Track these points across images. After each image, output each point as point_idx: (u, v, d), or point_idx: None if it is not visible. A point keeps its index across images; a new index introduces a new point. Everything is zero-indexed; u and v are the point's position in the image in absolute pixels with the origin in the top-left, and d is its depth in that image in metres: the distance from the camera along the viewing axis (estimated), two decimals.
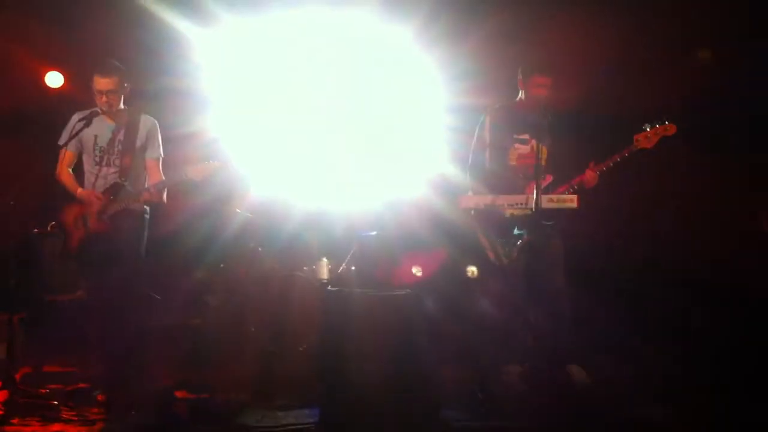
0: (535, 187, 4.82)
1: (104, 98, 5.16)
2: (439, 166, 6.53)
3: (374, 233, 6.47)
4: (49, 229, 6.15)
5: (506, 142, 5.35)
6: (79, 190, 5.26)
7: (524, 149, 5.33)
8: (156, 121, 5.38)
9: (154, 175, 5.32)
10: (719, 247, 6.20)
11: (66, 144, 5.21)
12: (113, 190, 5.17)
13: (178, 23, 6.33)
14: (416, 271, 6.20)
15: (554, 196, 5.04)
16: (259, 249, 6.78)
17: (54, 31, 6.67)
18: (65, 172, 5.33)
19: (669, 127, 5.13)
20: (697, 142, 5.79)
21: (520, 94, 5.41)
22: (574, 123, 5.44)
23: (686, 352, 5.49)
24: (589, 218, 5.27)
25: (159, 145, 5.37)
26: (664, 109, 5.26)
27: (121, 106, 5.28)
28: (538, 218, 4.87)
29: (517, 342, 5.25)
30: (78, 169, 5.37)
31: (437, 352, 4.56)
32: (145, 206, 5.30)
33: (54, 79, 7.31)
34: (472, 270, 6.04)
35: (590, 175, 5.13)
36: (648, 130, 5.12)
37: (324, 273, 6.51)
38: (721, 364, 5.23)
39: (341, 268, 6.48)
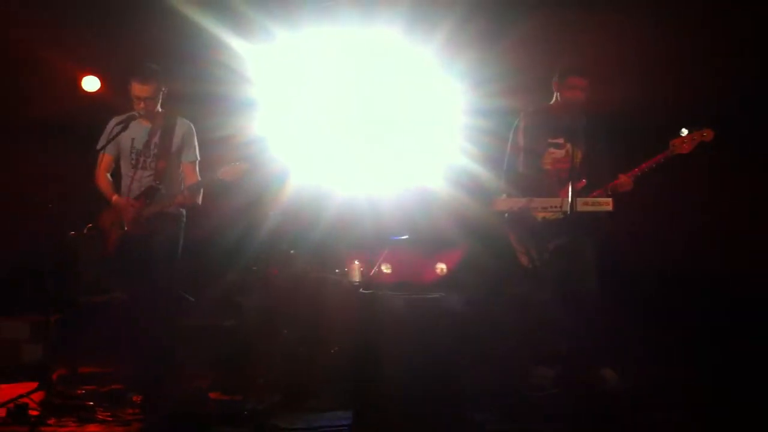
0: (569, 190, 4.78)
1: (142, 104, 5.22)
2: (471, 169, 6.50)
3: (406, 237, 6.50)
4: (85, 231, 6.22)
5: (540, 146, 5.32)
6: (115, 197, 5.31)
7: (559, 153, 5.30)
8: (192, 125, 5.43)
9: (191, 178, 5.36)
10: (755, 255, 6.12)
11: (104, 148, 5.27)
12: (148, 194, 5.22)
13: (214, 28, 6.36)
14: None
15: (589, 199, 5.00)
16: (291, 251, 6.81)
17: (90, 35, 6.75)
18: (103, 177, 5.38)
19: (706, 133, 5.06)
20: (736, 148, 5.70)
21: (554, 97, 5.37)
22: (610, 126, 5.40)
23: (718, 359, 5.42)
24: (623, 222, 5.23)
25: (195, 148, 5.41)
26: (701, 114, 5.21)
27: (159, 109, 5.33)
28: (571, 222, 4.83)
29: (548, 345, 5.22)
30: (116, 174, 5.43)
31: (469, 354, 4.55)
32: (181, 209, 5.34)
33: (91, 84, 7.40)
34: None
35: (624, 180, 5.08)
36: (685, 135, 5.06)
37: (356, 276, 6.52)
38: (754, 373, 5.15)
39: (373, 270, 6.48)
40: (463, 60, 6.71)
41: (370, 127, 6.90)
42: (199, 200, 5.35)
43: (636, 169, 5.08)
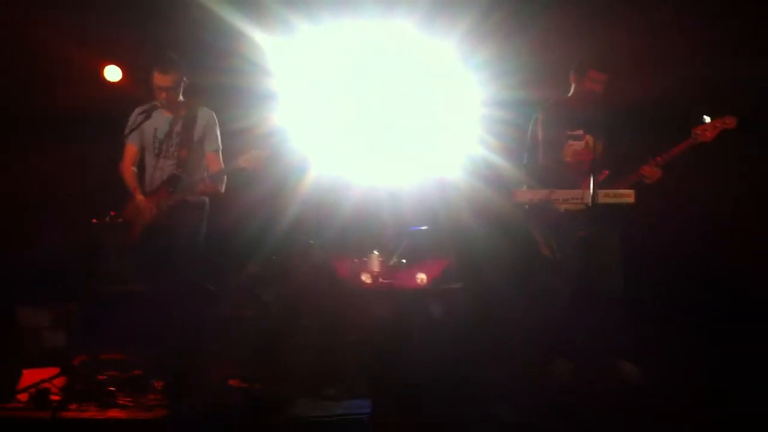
0: (591, 181, 4.76)
1: (164, 94, 5.25)
2: (491, 160, 6.49)
3: (425, 227, 6.50)
4: (107, 219, 6.26)
5: (560, 139, 5.30)
6: (139, 196, 5.33)
7: (578, 145, 5.28)
8: (214, 114, 5.45)
9: (214, 167, 5.39)
10: None
11: (127, 137, 5.32)
12: (171, 182, 5.25)
13: (235, 20, 6.38)
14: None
15: (611, 191, 4.97)
16: (311, 242, 6.82)
17: (113, 25, 6.78)
18: (128, 168, 5.42)
19: (728, 120, 5.02)
20: (759, 136, 5.65)
21: (572, 90, 5.35)
22: (630, 118, 5.37)
23: (739, 356, 5.37)
24: (647, 214, 5.19)
25: (217, 138, 5.44)
26: (721, 104, 5.16)
27: (180, 98, 5.35)
28: (594, 213, 4.81)
29: (568, 338, 5.21)
30: (140, 164, 5.47)
31: (488, 346, 4.54)
32: (203, 198, 5.37)
33: (113, 73, 7.43)
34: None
35: (651, 170, 5.05)
36: (708, 122, 5.02)
37: (375, 266, 6.53)
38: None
39: (392, 261, 6.49)
40: (482, 52, 6.70)
41: (389, 118, 6.90)
42: (222, 188, 5.38)
43: (659, 158, 5.05)
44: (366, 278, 6.19)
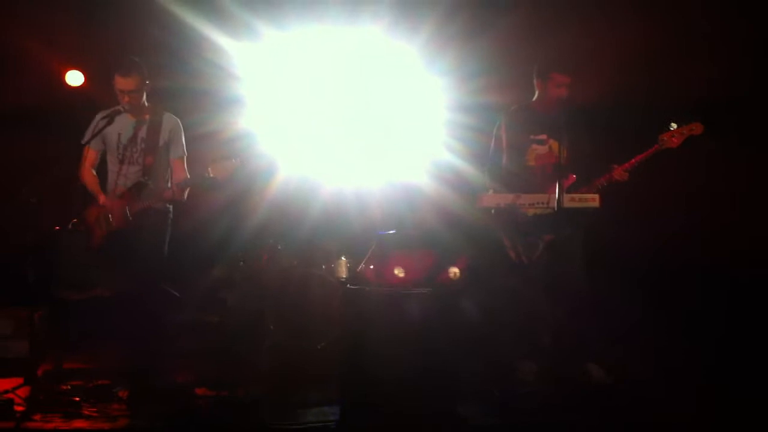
0: (556, 186, 4.80)
1: (126, 98, 5.19)
2: (455, 164, 6.52)
3: (393, 232, 6.49)
4: (70, 226, 6.19)
5: (523, 143, 5.34)
6: (102, 197, 5.28)
7: (542, 149, 5.32)
8: (179, 120, 5.41)
9: (180, 173, 5.35)
10: (745, 243, 6.16)
11: (88, 142, 5.25)
12: (136, 189, 5.20)
13: (199, 25, 6.35)
14: (398, 272, 6.20)
15: (576, 195, 5.02)
16: (279, 246, 6.80)
17: (74, 28, 6.72)
18: (89, 173, 5.36)
19: (695, 127, 5.08)
20: (726, 140, 5.71)
21: (536, 94, 5.39)
22: (594, 121, 5.42)
23: (709, 351, 5.46)
24: (611, 217, 5.24)
25: (183, 144, 5.40)
26: (688, 107, 5.23)
27: (144, 103, 5.31)
28: (559, 217, 4.85)
29: (534, 339, 5.25)
30: (101, 169, 5.41)
31: (454, 348, 4.56)
32: (168, 205, 5.33)
33: (74, 78, 7.35)
34: (454, 271, 5.99)
35: (619, 173, 5.09)
36: (674, 129, 5.08)
37: (343, 271, 6.52)
38: (746, 362, 5.19)
39: (360, 266, 6.48)
40: (446, 56, 6.73)
41: (355, 123, 6.91)
42: (185, 196, 5.33)
43: (625, 165, 5.10)
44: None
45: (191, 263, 7.18)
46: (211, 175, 5.16)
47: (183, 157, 5.38)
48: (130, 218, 5.16)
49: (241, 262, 6.72)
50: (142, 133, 5.28)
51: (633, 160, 5.10)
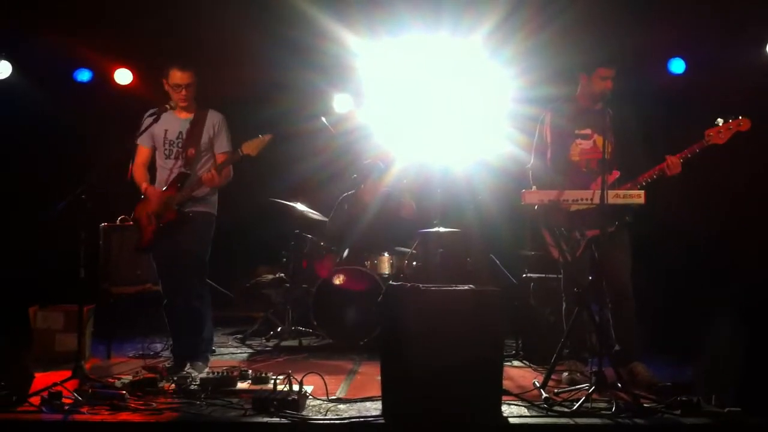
0: (601, 182, 4.73)
1: (183, 92, 5.27)
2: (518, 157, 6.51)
3: (435, 230, 6.49)
4: (118, 222, 6.30)
5: (567, 138, 5.29)
6: (145, 185, 5.37)
7: (586, 144, 5.26)
8: (223, 116, 5.46)
9: (226, 168, 5.39)
10: None
11: (138, 139, 5.34)
12: (179, 180, 5.28)
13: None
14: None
15: (621, 192, 4.93)
16: (321, 243, 6.84)
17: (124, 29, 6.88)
18: (139, 170, 5.46)
19: (743, 122, 4.96)
20: None
21: (579, 89, 5.32)
22: (640, 118, 5.34)
23: (757, 352, 5.32)
24: (659, 214, 5.15)
25: (227, 139, 5.45)
26: (735, 104, 5.11)
27: (193, 100, 5.39)
28: (604, 213, 4.77)
29: (579, 338, 5.19)
30: (153, 167, 5.50)
31: (498, 346, 4.52)
32: (211, 197, 5.37)
33: (123, 76, 7.51)
34: None
35: (673, 162, 4.97)
36: (720, 124, 4.97)
37: (386, 268, 6.53)
38: None
39: (404, 263, 6.49)
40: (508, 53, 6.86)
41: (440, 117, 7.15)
42: (223, 181, 5.35)
43: (680, 153, 4.98)
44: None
45: (239, 260, 7.29)
46: (244, 153, 5.20)
47: (228, 152, 5.42)
48: (176, 208, 5.23)
49: (284, 259, 6.79)
50: (187, 128, 5.35)
51: (685, 152, 4.99)
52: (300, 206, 6.82)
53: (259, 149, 5.22)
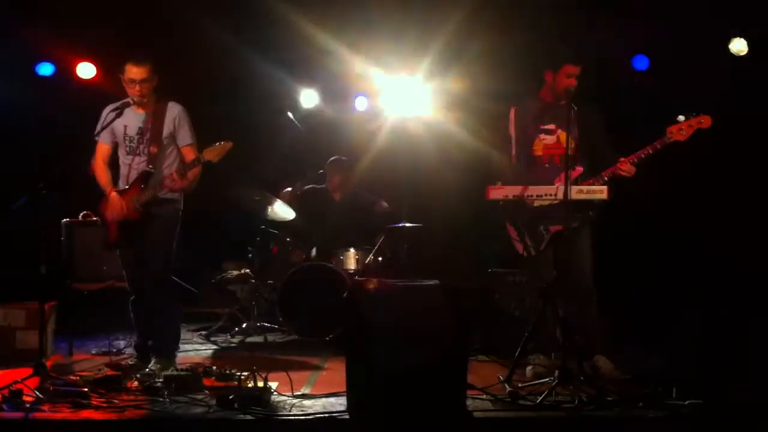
0: (564, 177, 4.76)
1: (137, 87, 5.19)
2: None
3: (402, 225, 6.51)
4: (80, 218, 6.23)
5: (531, 133, 5.32)
6: (111, 191, 5.30)
7: (550, 139, 5.30)
8: (183, 108, 5.38)
9: (192, 170, 5.31)
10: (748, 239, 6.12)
11: (98, 135, 5.27)
12: (143, 179, 5.22)
13: None
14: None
15: (584, 187, 4.97)
16: (288, 239, 6.83)
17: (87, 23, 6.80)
18: (100, 167, 5.37)
19: (704, 119, 5.01)
20: (735, 135, 5.66)
21: (544, 85, 5.36)
22: (603, 113, 5.39)
23: (718, 346, 5.40)
24: (620, 208, 5.20)
25: (189, 130, 5.37)
26: (698, 100, 5.17)
27: (152, 95, 5.31)
28: (566, 209, 4.81)
29: (544, 332, 5.22)
30: (114, 162, 5.42)
31: (464, 341, 4.54)
32: (176, 195, 5.32)
33: (86, 70, 7.42)
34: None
35: (626, 167, 5.05)
36: (682, 121, 5.02)
37: (351, 263, 6.53)
38: (755, 357, 5.13)
39: (368, 258, 6.49)
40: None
41: None
42: (191, 184, 5.28)
43: (632, 157, 5.05)
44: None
45: (203, 257, 7.24)
46: (205, 158, 5.15)
47: (192, 145, 5.34)
48: (139, 208, 5.18)
49: (250, 255, 6.76)
50: (147, 124, 5.28)
51: (639, 153, 5.04)
52: (265, 201, 6.78)
53: (221, 156, 5.14)
